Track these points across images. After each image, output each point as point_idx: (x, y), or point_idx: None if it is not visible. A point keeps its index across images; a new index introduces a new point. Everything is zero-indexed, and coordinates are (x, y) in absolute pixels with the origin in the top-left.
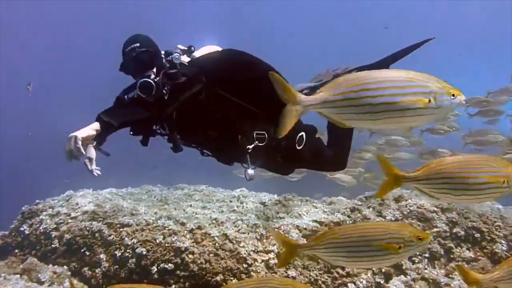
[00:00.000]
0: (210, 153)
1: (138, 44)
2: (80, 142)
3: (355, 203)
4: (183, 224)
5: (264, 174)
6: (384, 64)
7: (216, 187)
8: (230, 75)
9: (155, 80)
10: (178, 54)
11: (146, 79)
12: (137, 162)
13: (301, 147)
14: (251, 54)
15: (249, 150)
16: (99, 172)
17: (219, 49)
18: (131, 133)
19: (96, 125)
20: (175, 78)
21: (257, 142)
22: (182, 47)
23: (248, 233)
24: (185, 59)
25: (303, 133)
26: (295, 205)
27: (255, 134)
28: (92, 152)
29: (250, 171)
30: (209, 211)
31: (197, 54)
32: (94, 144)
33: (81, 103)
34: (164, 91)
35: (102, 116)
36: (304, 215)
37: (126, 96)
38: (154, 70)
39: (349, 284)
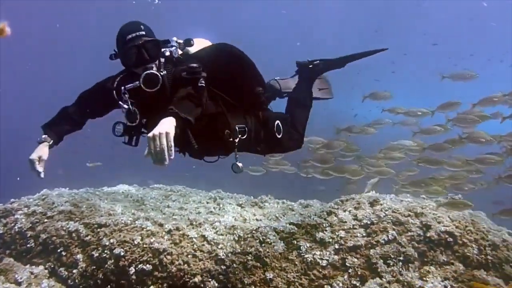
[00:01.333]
0: (191, 149)
1: (143, 33)
2: (36, 164)
3: (331, 206)
4: (161, 225)
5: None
6: (343, 61)
7: (192, 187)
8: (222, 70)
9: (161, 73)
10: (175, 48)
11: (152, 72)
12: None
13: (280, 135)
14: (239, 49)
15: (236, 144)
16: (42, 176)
17: (209, 43)
18: (121, 134)
19: None
20: (198, 73)
21: (240, 135)
22: (178, 40)
23: (226, 235)
24: (178, 52)
25: (278, 121)
26: (272, 207)
27: (237, 127)
28: (44, 153)
29: (240, 164)
30: (187, 212)
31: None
32: (50, 143)
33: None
34: (167, 85)
35: (179, 113)
36: (281, 217)
37: (124, 87)
38: (157, 62)
39: (325, 286)
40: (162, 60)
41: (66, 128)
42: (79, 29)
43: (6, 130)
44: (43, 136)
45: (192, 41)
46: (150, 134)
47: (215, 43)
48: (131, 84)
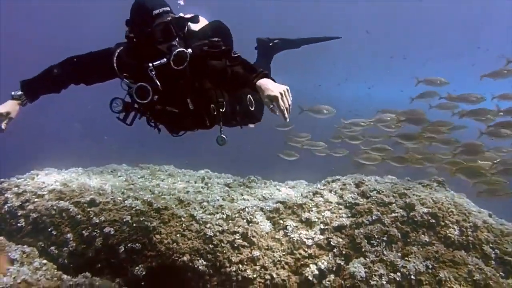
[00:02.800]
0: (178, 124)
1: (169, 9)
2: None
3: (317, 187)
4: (150, 204)
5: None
6: (300, 43)
7: (179, 168)
8: (216, 48)
9: (188, 51)
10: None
11: (183, 49)
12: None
13: (253, 108)
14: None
15: (220, 116)
16: (3, 128)
17: (206, 20)
18: (120, 110)
19: None
20: (218, 47)
21: (220, 109)
22: (186, 16)
23: (214, 214)
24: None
25: (249, 95)
26: (259, 187)
27: (218, 101)
28: (14, 111)
29: (224, 136)
30: (175, 191)
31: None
32: (24, 103)
33: None
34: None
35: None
36: (268, 197)
37: (151, 64)
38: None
39: (311, 265)
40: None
41: (45, 89)
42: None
43: None
44: (19, 93)
45: (198, 18)
46: (277, 93)
47: (210, 21)
48: (159, 61)
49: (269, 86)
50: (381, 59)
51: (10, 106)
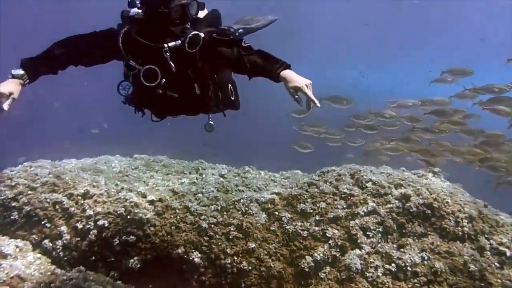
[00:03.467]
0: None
1: None
2: (3, 98)
3: (312, 178)
4: (144, 196)
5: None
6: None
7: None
8: (225, 35)
9: (201, 35)
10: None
11: (198, 33)
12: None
13: (233, 97)
14: None
15: (210, 102)
16: (4, 114)
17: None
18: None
19: None
20: (228, 35)
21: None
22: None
23: (209, 206)
24: None
25: (230, 85)
26: (254, 177)
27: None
28: (16, 91)
29: (211, 122)
30: (169, 182)
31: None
32: (25, 83)
33: None
34: None
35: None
36: (263, 188)
37: (166, 45)
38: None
39: (306, 257)
40: None
41: (44, 70)
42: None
43: None
44: (21, 72)
45: (203, 3)
46: (303, 85)
47: (213, 9)
48: (173, 43)
49: (294, 77)
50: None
51: (12, 86)
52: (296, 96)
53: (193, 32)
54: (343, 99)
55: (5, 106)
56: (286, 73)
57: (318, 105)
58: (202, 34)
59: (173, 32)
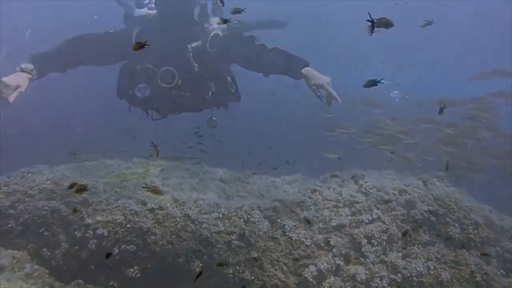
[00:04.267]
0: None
1: None
2: (10, 90)
3: (315, 184)
4: (144, 204)
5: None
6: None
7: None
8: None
9: (220, 33)
10: None
11: (219, 32)
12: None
13: (233, 90)
14: None
15: (211, 98)
16: (9, 103)
17: None
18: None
19: None
20: (240, 34)
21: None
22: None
23: (210, 213)
24: None
25: (228, 77)
26: (255, 182)
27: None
28: (24, 85)
29: (214, 118)
30: (169, 188)
31: None
32: (33, 78)
33: None
34: None
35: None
36: (265, 194)
37: (190, 46)
38: None
39: (310, 266)
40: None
41: (54, 67)
42: None
43: None
44: (31, 67)
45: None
46: (324, 82)
47: None
48: (196, 43)
49: (316, 75)
50: None
51: (20, 79)
52: (318, 93)
53: (214, 32)
54: (378, 104)
55: (11, 99)
56: (306, 70)
57: (340, 101)
58: (220, 33)
59: (194, 32)
